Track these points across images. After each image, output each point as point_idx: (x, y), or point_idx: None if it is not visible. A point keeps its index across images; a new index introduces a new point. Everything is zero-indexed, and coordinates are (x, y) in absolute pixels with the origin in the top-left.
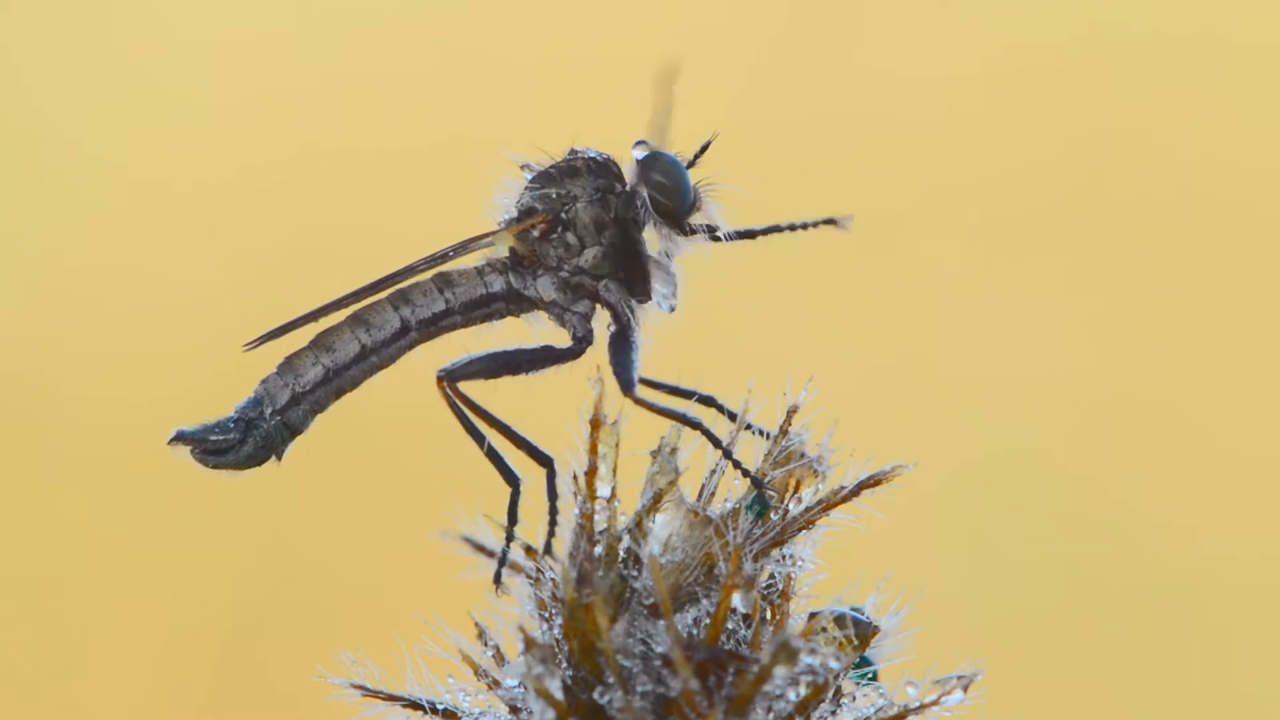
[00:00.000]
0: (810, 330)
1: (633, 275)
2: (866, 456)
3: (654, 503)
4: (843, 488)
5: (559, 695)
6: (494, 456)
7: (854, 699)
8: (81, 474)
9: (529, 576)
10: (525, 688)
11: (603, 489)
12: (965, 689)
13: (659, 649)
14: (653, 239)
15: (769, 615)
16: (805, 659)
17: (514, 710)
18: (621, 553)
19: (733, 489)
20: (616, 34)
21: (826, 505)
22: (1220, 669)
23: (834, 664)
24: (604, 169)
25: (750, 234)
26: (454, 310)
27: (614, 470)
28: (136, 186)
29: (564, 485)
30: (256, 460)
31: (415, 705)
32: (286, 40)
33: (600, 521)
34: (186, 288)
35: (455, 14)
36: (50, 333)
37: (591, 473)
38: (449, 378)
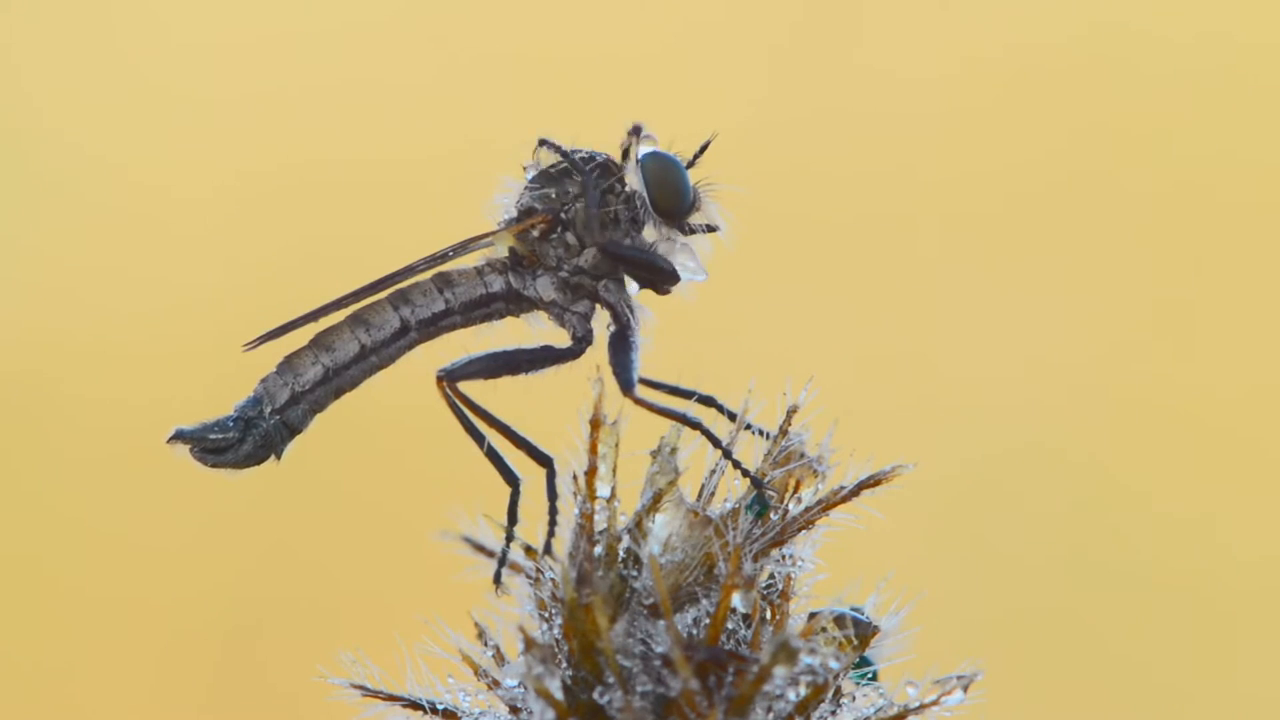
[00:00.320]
0: (810, 330)
1: (649, 271)
2: (866, 456)
3: (654, 503)
4: (842, 488)
5: (559, 695)
6: (494, 456)
7: (854, 699)
8: (81, 474)
9: (529, 576)
10: (525, 688)
11: (603, 489)
12: (965, 689)
13: (659, 649)
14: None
15: (769, 615)
16: (805, 659)
17: (514, 710)
18: (621, 553)
19: (733, 489)
20: (618, 37)
21: (826, 505)
22: (1222, 669)
23: (834, 664)
24: (604, 169)
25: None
26: (454, 310)
27: (614, 470)
28: (137, 188)
29: (564, 485)
30: (256, 459)
31: (415, 705)
32: (286, 43)
33: (600, 521)
34: (186, 288)
35: (456, 18)
36: (50, 333)
37: (591, 473)
38: (449, 378)
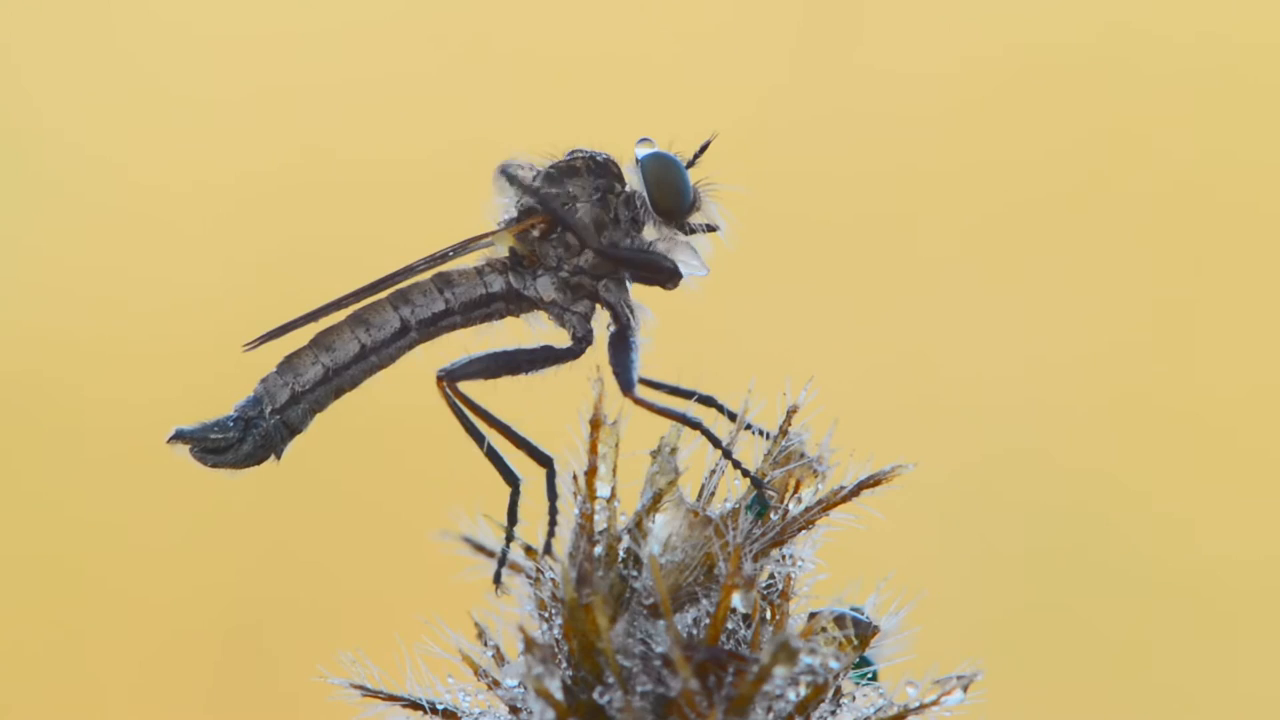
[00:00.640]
0: (810, 330)
1: (650, 271)
2: (866, 456)
3: (654, 503)
4: (843, 488)
5: (559, 695)
6: (494, 456)
7: (854, 699)
8: (82, 474)
9: (529, 576)
10: (525, 688)
11: (603, 489)
12: (965, 689)
13: (659, 649)
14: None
15: (769, 615)
16: (805, 659)
17: (514, 710)
18: (621, 553)
19: (733, 489)
20: (619, 36)
21: (826, 505)
22: (1222, 669)
23: (834, 664)
24: (604, 169)
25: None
26: (454, 310)
27: (614, 470)
28: (137, 187)
29: (564, 485)
30: (255, 459)
31: (415, 705)
32: (287, 42)
33: (600, 521)
34: (187, 288)
35: (457, 16)
36: (51, 332)
37: (591, 473)
38: (449, 378)
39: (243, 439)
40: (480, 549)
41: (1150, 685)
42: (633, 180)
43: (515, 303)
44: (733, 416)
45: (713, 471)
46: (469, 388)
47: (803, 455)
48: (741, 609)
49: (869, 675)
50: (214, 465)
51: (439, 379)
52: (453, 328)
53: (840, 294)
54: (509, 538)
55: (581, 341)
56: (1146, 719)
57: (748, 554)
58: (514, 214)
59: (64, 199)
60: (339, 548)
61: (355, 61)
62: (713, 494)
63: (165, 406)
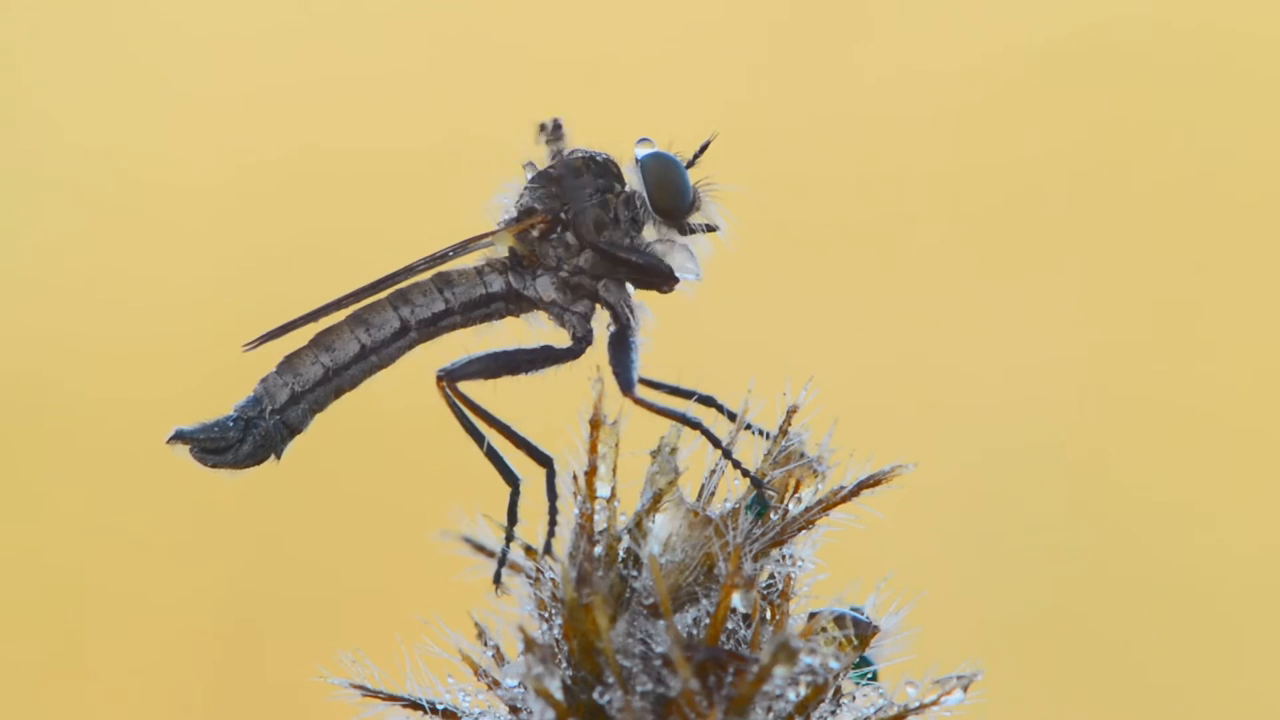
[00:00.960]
0: (810, 330)
1: (646, 272)
2: (866, 456)
3: (654, 503)
4: (843, 488)
5: (559, 695)
6: (494, 456)
7: (854, 699)
8: (82, 474)
9: (529, 576)
10: (525, 688)
11: (603, 489)
12: (965, 689)
13: (659, 649)
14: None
15: (769, 615)
16: (805, 659)
17: (514, 710)
18: (621, 553)
19: (733, 489)
20: (619, 34)
21: (826, 505)
22: (1223, 667)
23: (834, 664)
24: (603, 169)
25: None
26: (454, 310)
27: (614, 470)
28: (137, 185)
29: (564, 485)
30: (255, 459)
31: (415, 705)
32: (286, 38)
33: (600, 521)
34: (187, 287)
35: (455, 11)
36: (50, 331)
37: (591, 473)
38: (449, 378)
39: (243, 439)
40: (480, 549)
41: (1151, 685)
42: (632, 180)
43: (515, 303)
44: (733, 416)
45: (713, 471)
46: (469, 387)
47: (803, 455)
48: (741, 609)
49: (869, 675)
50: (214, 465)
51: (439, 379)
52: (453, 328)
53: (840, 294)
54: (509, 538)
55: (581, 341)
56: (1146, 719)
57: (748, 554)
58: (514, 214)
59: (64, 198)
60: (339, 548)
61: (355, 58)
62: (713, 494)
63: (166, 404)
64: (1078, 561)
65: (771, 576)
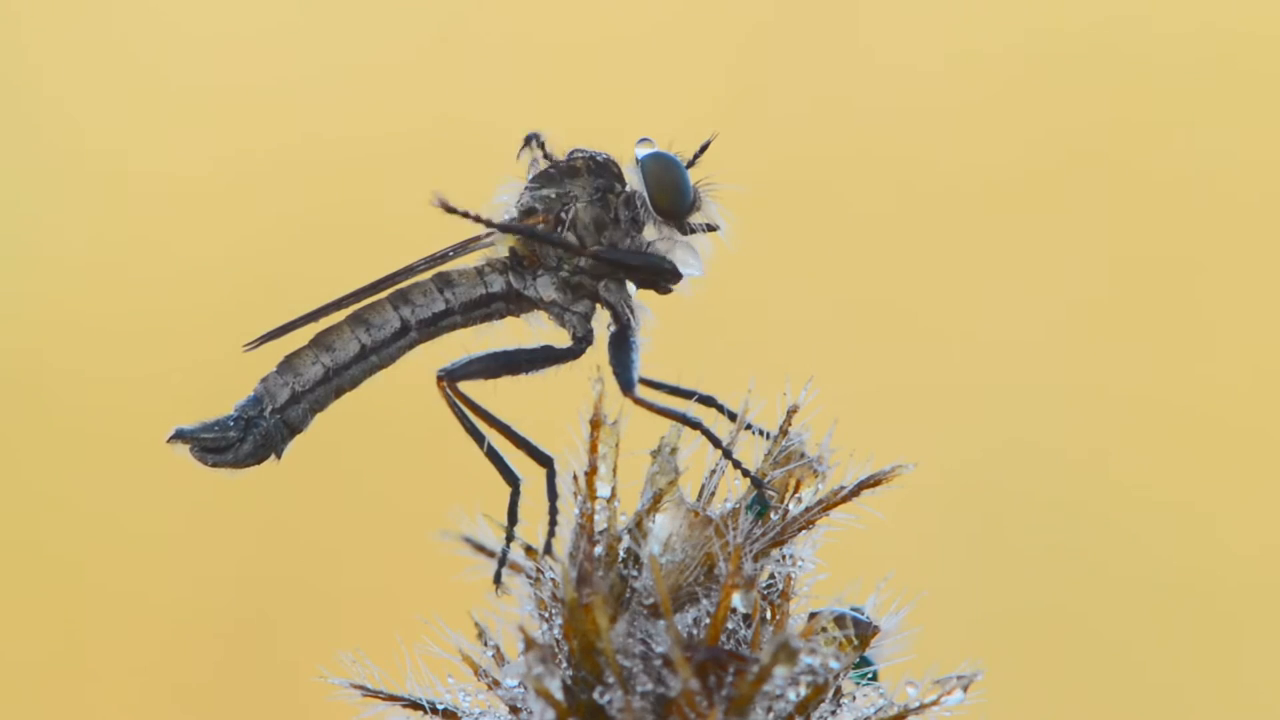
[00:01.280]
0: (810, 330)
1: (647, 273)
2: (866, 456)
3: (654, 503)
4: (843, 488)
5: (559, 695)
6: (494, 456)
7: (854, 699)
8: (82, 472)
9: (529, 576)
10: (525, 688)
11: (603, 489)
12: (965, 689)
13: (659, 649)
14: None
15: (769, 615)
16: (805, 659)
17: (514, 710)
18: (621, 553)
19: (733, 489)
20: (618, 32)
21: (826, 505)
22: (1225, 667)
23: (834, 664)
24: (604, 169)
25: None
26: (454, 310)
27: (614, 470)
28: (139, 174)
29: (564, 485)
30: (255, 459)
31: (415, 705)
32: (286, 28)
33: (600, 521)
34: (188, 285)
35: (453, 2)
36: (52, 324)
37: (591, 473)
38: (449, 378)
39: (243, 438)
40: (480, 549)
41: (1151, 685)
42: (633, 180)
43: (515, 303)
44: (733, 416)
45: (713, 471)
46: (469, 387)
47: (803, 455)
48: (741, 609)
49: (869, 675)
50: (214, 465)
51: (439, 379)
52: (453, 328)
53: (840, 293)
54: (509, 538)
55: (581, 341)
56: (1147, 719)
57: (748, 554)
58: (514, 214)
59: (67, 186)
60: (339, 548)
61: (355, 47)
62: (713, 494)
63: (166, 403)
64: (1078, 561)
65: (772, 576)
